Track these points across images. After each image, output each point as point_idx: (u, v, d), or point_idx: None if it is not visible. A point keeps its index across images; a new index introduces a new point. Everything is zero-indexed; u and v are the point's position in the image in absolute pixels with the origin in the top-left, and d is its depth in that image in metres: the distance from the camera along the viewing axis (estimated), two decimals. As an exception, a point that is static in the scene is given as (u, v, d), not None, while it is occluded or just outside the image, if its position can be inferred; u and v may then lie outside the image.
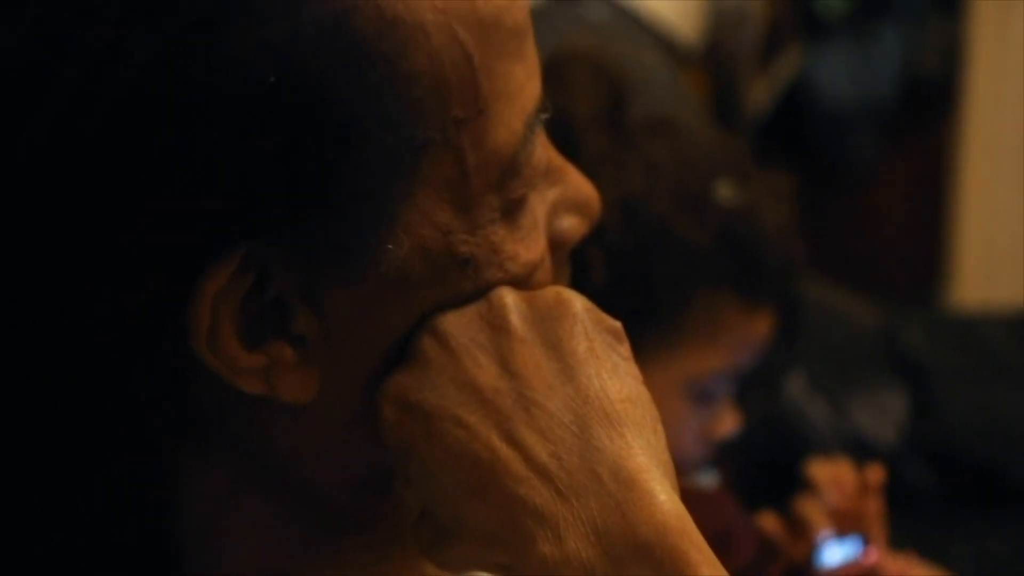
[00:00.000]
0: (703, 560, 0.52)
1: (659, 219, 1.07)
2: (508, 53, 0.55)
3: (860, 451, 1.44)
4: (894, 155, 3.17)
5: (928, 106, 3.12)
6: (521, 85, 0.56)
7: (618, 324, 0.58)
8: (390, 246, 0.54)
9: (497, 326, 0.56)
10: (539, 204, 0.59)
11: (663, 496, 0.53)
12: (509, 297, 0.56)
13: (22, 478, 0.57)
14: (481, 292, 0.56)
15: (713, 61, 2.53)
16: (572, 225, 0.61)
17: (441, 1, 0.53)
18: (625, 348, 0.58)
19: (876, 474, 1.30)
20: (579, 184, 0.62)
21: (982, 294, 2.92)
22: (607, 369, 0.56)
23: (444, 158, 0.54)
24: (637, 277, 1.04)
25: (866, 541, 1.23)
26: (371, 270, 0.54)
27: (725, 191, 1.11)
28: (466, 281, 0.56)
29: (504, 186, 0.56)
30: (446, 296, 0.56)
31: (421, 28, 0.52)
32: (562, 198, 0.61)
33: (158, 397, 0.56)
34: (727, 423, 1.18)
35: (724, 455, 1.25)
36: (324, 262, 0.54)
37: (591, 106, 1.07)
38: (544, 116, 0.57)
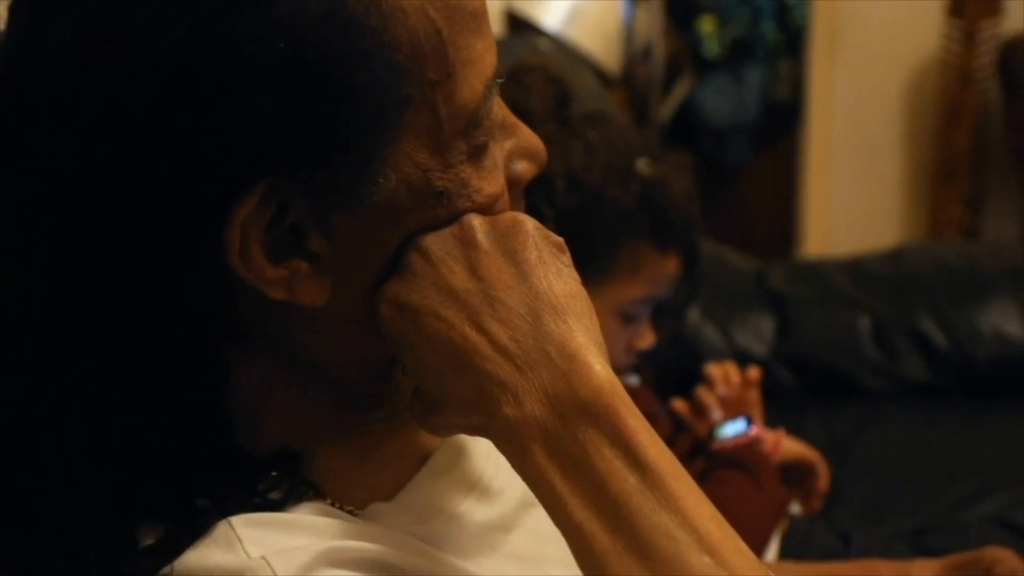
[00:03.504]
0: (629, 413, 0.50)
1: (595, 187, 1.05)
2: (470, 30, 0.51)
3: (741, 360, 1.41)
4: (760, 156, 3.16)
5: (782, 122, 3.11)
6: (481, 55, 0.52)
7: (561, 239, 0.54)
8: (380, 180, 0.50)
9: (467, 242, 0.52)
10: (498, 150, 0.55)
11: (598, 366, 0.50)
12: (476, 220, 0.53)
13: (105, 375, 0.53)
14: (454, 217, 0.53)
15: (629, 85, 2.51)
16: (524, 168, 0.58)
17: None
18: (567, 257, 0.54)
19: (754, 372, 1.29)
20: (529, 136, 0.58)
21: (822, 248, 2.91)
22: (553, 272, 0.52)
23: (422, 111, 0.51)
24: (579, 230, 0.99)
25: (749, 421, 1.21)
26: (367, 200, 0.51)
27: (643, 166, 1.08)
28: (442, 209, 0.53)
29: (469, 134, 0.52)
30: (426, 220, 0.53)
31: (400, 8, 0.49)
32: (516, 147, 0.57)
33: (210, 306, 0.53)
34: (646, 339, 1.15)
35: (644, 362, 1.23)
36: (331, 193, 0.50)
37: (543, 102, 1.05)
38: (499, 81, 0.54)
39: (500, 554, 0.59)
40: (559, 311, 0.51)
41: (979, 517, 1.26)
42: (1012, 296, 1.61)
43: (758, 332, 1.66)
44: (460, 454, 0.62)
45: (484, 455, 0.62)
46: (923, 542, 1.16)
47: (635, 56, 2.53)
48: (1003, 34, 2.70)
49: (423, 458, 0.60)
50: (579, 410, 0.49)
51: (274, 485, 0.54)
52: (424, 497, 0.59)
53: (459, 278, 0.52)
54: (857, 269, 1.74)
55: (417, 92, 0.50)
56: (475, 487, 0.61)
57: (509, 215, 0.54)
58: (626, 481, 0.48)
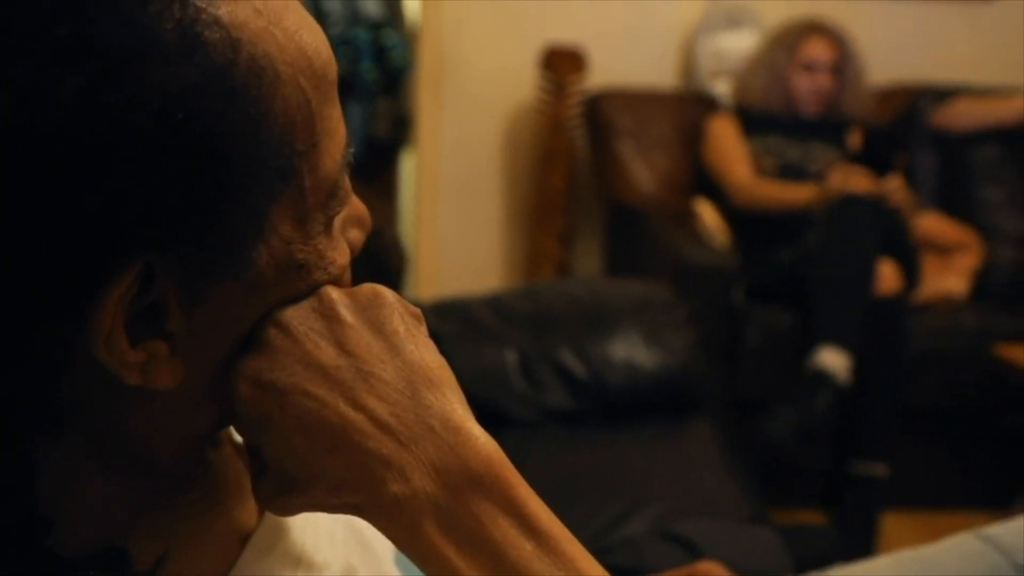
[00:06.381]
0: (518, 482, 0.50)
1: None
2: (330, 99, 0.50)
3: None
4: (360, 185, 3.21)
5: (381, 159, 3.19)
6: (337, 125, 0.51)
7: (418, 310, 0.54)
8: (253, 254, 0.48)
9: (329, 316, 0.50)
10: (337, 220, 0.54)
11: (483, 438, 0.50)
12: (335, 293, 0.51)
13: None
14: (311, 290, 0.51)
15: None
16: (356, 236, 0.57)
17: (289, 55, 0.48)
18: (424, 328, 0.53)
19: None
20: (357, 203, 0.58)
21: (435, 287, 3.03)
22: (421, 344, 0.52)
23: (289, 183, 0.48)
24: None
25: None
26: (240, 274, 0.48)
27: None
28: (300, 282, 0.50)
29: (327, 205, 0.51)
30: (285, 294, 0.50)
31: (278, 77, 0.47)
32: (348, 215, 0.56)
33: (26, 391, 0.47)
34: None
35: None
36: (204, 269, 0.47)
37: None
38: (351, 151, 0.53)
39: (337, 629, 0.58)
40: (435, 384, 0.50)
41: (638, 532, 1.38)
42: (636, 327, 1.78)
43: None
44: (280, 529, 0.59)
45: (301, 527, 0.60)
46: (604, 562, 1.25)
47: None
48: (588, 89, 2.99)
49: (243, 537, 0.57)
50: (470, 482, 0.48)
51: None
52: None
53: (326, 354, 0.50)
54: (498, 305, 1.84)
55: (287, 163, 0.48)
56: (300, 562, 0.58)
57: (368, 287, 0.53)
58: (524, 548, 0.48)
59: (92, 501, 0.50)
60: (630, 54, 3.10)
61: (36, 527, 0.47)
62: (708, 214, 2.71)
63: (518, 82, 3.06)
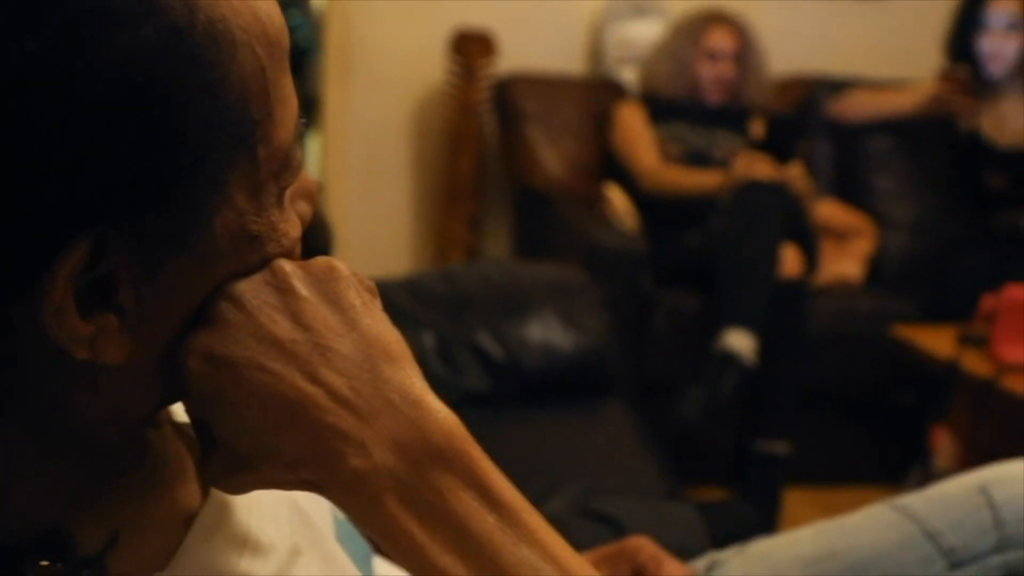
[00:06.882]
0: (479, 455, 0.50)
1: None
2: (283, 68, 0.50)
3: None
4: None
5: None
6: (290, 94, 0.51)
7: (373, 284, 0.53)
8: (206, 225, 0.47)
9: (283, 289, 0.50)
10: (288, 192, 0.53)
11: (443, 412, 0.50)
12: (288, 266, 0.50)
13: None
14: (264, 263, 0.50)
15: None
16: (305, 209, 0.57)
17: (244, 21, 0.47)
18: (379, 301, 0.53)
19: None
20: (306, 176, 0.57)
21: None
22: (377, 318, 0.51)
23: (244, 153, 0.47)
24: None
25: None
26: (191, 247, 0.47)
27: None
28: (253, 255, 0.49)
29: (280, 176, 0.50)
30: (238, 267, 0.49)
31: (234, 42, 0.46)
32: (297, 188, 0.55)
33: None
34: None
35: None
36: (157, 241, 0.46)
37: None
38: (304, 121, 0.52)
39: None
40: (393, 357, 0.50)
41: (561, 510, 1.39)
42: (552, 310, 1.80)
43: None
44: (224, 509, 0.58)
45: (245, 507, 0.59)
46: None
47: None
48: (498, 73, 3.00)
49: (187, 519, 0.56)
50: (432, 456, 0.48)
51: (48, 574, 0.47)
52: (199, 561, 0.54)
53: (281, 327, 0.49)
54: (414, 288, 1.83)
55: (244, 132, 0.47)
56: (246, 543, 0.57)
57: (322, 260, 0.52)
58: (486, 521, 0.48)
59: (31, 484, 0.49)
60: (539, 39, 3.11)
61: None
62: (618, 199, 2.75)
63: (427, 65, 3.05)
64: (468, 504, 0.48)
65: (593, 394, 1.79)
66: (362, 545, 0.70)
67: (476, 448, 0.50)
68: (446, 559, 0.48)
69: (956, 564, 0.93)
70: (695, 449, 2.35)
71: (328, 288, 0.50)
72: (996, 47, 2.83)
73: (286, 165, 0.50)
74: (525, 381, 1.75)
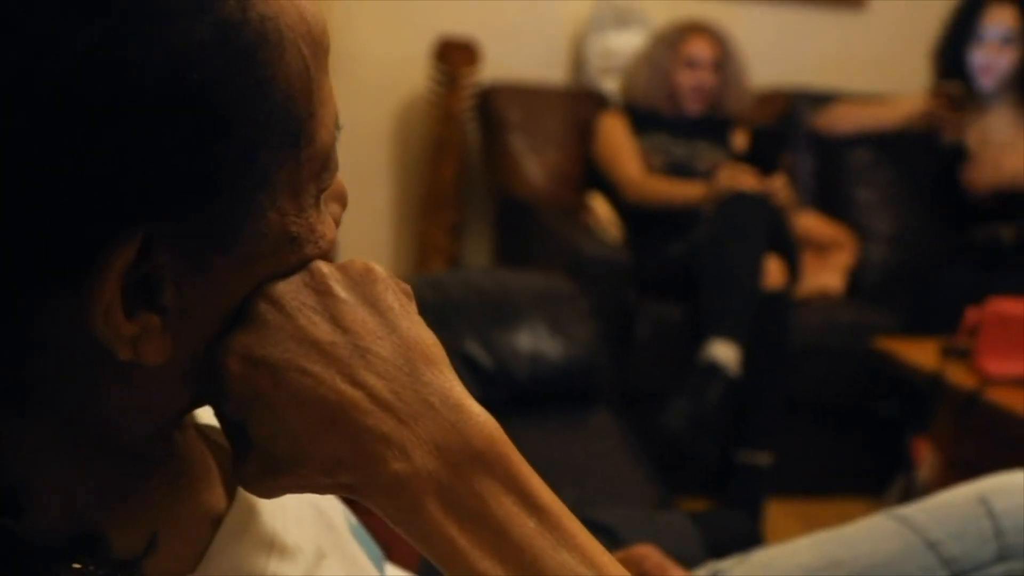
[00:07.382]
0: (519, 459, 0.50)
1: None
2: (325, 68, 0.50)
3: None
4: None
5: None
6: (331, 94, 0.50)
7: (408, 287, 0.53)
8: (249, 225, 0.47)
9: (322, 291, 0.49)
10: (324, 194, 0.53)
11: (483, 416, 0.50)
12: (326, 267, 0.50)
13: None
14: (302, 264, 0.50)
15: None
16: (337, 211, 0.56)
17: (291, 19, 0.47)
18: (414, 304, 0.53)
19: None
20: (340, 179, 0.56)
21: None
22: (415, 321, 0.51)
23: (289, 152, 0.47)
24: None
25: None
26: (237, 246, 0.47)
27: None
28: (292, 256, 0.49)
29: (320, 177, 0.50)
30: (277, 268, 0.49)
31: (283, 41, 0.46)
32: (331, 190, 0.54)
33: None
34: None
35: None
36: (203, 240, 0.46)
37: None
38: (340, 124, 0.52)
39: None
40: (432, 360, 0.50)
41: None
42: (541, 318, 1.79)
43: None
44: (251, 512, 0.57)
45: (270, 510, 0.59)
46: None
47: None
48: (481, 81, 3.00)
49: (214, 521, 0.56)
50: (472, 460, 0.48)
51: None
52: (228, 564, 0.54)
53: (321, 329, 0.48)
54: (402, 295, 1.82)
55: (288, 131, 0.47)
56: (273, 546, 0.57)
57: (359, 261, 0.52)
58: (526, 525, 0.48)
59: (60, 483, 0.48)
60: (522, 49, 3.12)
61: (8, 514, 0.45)
62: (601, 209, 2.75)
63: (410, 73, 3.04)
64: (508, 508, 0.48)
65: (581, 403, 1.79)
66: (374, 548, 0.70)
67: (515, 452, 0.50)
68: (486, 563, 0.48)
69: (957, 574, 0.93)
70: (678, 459, 2.36)
71: (366, 290, 0.50)
72: (989, 59, 2.85)
73: (326, 166, 0.50)
74: (514, 390, 1.74)
